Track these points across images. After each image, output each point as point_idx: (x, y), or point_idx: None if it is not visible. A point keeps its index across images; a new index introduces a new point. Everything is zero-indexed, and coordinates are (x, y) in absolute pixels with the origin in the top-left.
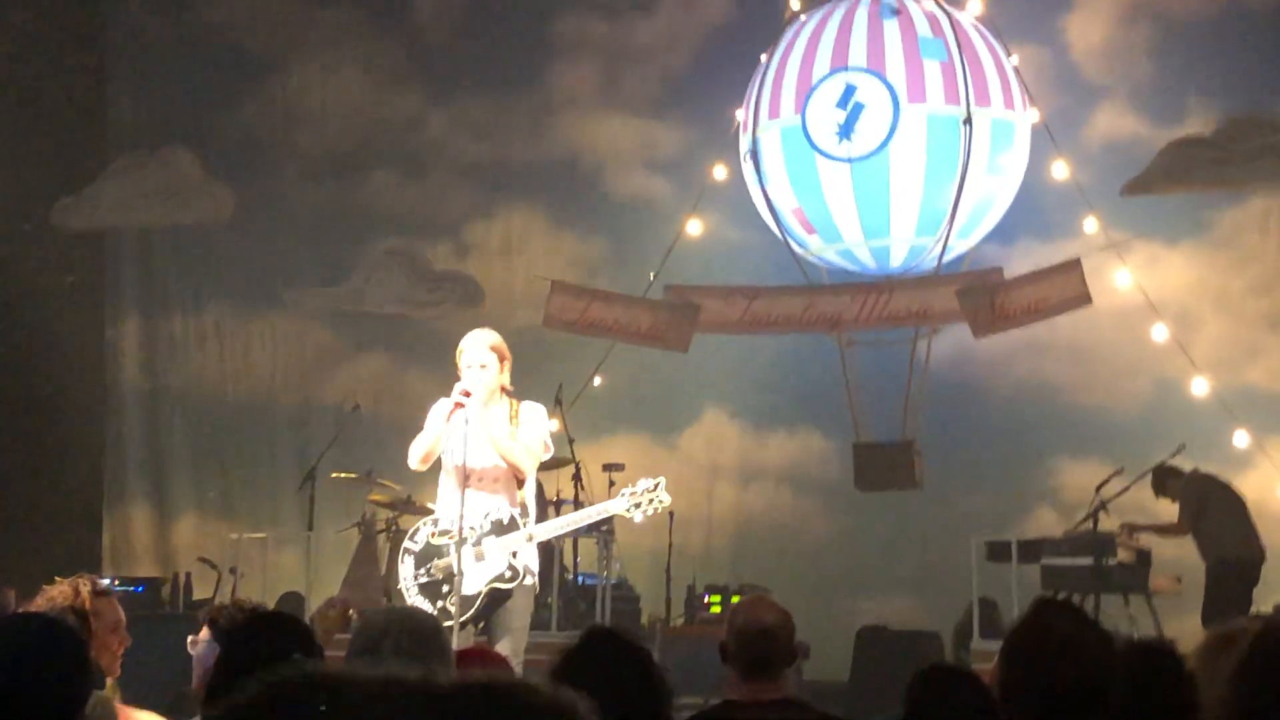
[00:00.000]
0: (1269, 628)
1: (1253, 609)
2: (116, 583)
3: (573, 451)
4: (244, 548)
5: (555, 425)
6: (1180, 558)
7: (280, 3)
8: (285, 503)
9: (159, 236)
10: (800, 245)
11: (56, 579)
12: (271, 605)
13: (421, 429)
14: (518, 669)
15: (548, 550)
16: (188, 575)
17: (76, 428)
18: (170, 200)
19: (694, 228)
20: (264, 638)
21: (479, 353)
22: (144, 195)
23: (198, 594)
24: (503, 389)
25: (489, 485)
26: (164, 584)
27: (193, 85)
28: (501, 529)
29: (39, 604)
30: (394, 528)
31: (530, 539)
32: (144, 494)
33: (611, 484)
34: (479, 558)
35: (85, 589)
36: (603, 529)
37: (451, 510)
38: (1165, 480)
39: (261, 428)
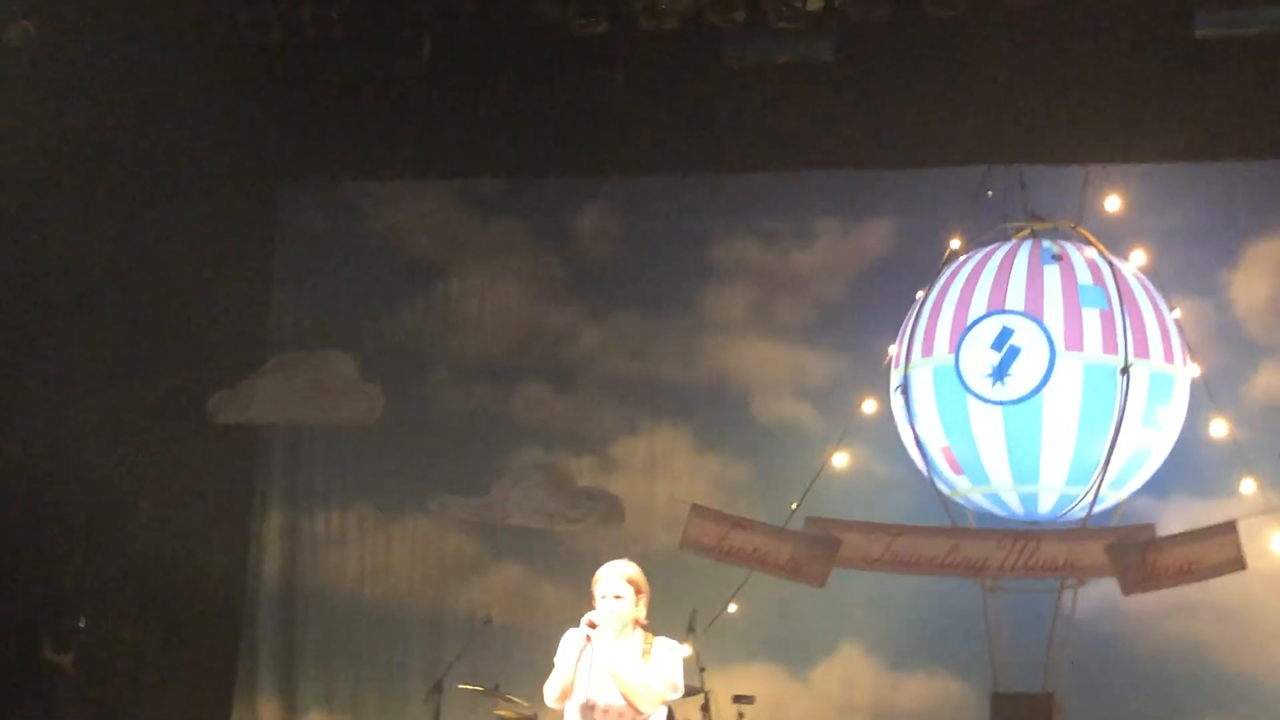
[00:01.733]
0: None
1: None
2: None
3: (702, 681)
4: None
5: (688, 652)
6: None
7: (448, 211)
8: (412, 710)
9: (309, 434)
10: (947, 485)
11: None
12: None
13: (553, 649)
14: None
15: None
16: None
17: (213, 620)
18: (323, 399)
19: (839, 460)
20: None
21: (614, 583)
22: (297, 393)
23: None
24: (636, 622)
25: None
26: None
27: (355, 288)
28: None
29: None
30: None
31: None
32: (273, 689)
33: (740, 716)
34: None
35: None
36: None
37: None
38: None
39: (394, 632)
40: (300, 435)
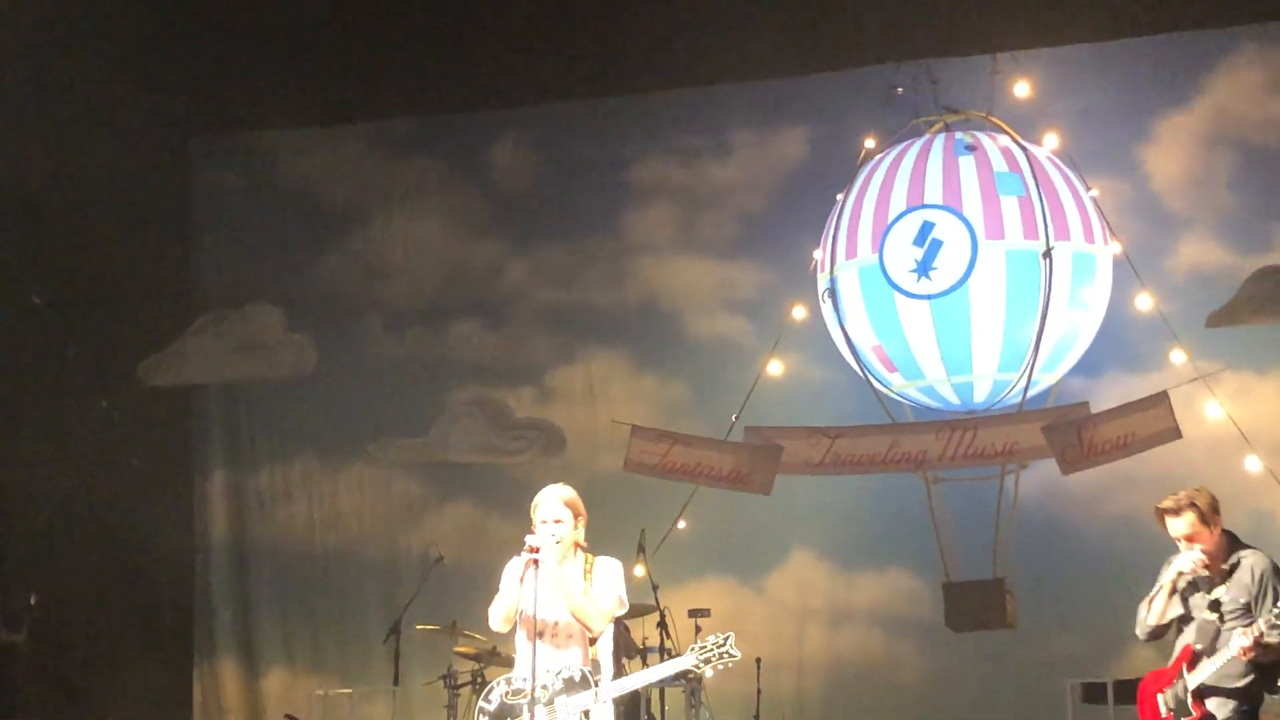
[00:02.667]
0: None
1: None
2: None
3: (657, 598)
4: (330, 703)
5: (640, 572)
6: None
7: (359, 156)
8: (373, 655)
9: (244, 390)
10: (882, 383)
11: None
12: None
13: (499, 584)
14: None
15: (634, 699)
16: None
17: (166, 583)
18: (254, 354)
19: (774, 368)
20: None
21: (553, 508)
22: (228, 351)
23: None
24: (577, 545)
25: (562, 641)
26: None
27: (276, 240)
28: (573, 687)
29: None
30: (480, 680)
31: (598, 699)
32: (233, 647)
33: (698, 630)
34: (551, 717)
35: None
36: (689, 678)
37: (524, 668)
38: None
39: (349, 579)
40: (235, 392)
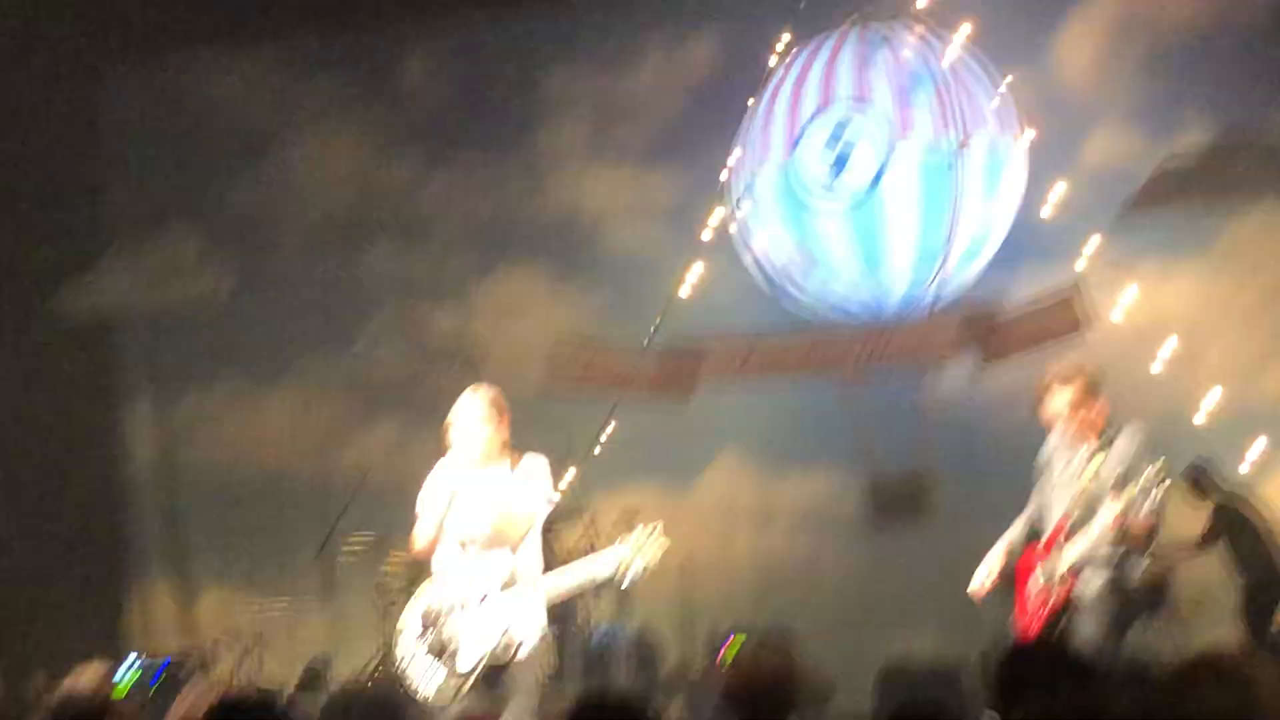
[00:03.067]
0: None
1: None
2: (143, 658)
3: (586, 502)
4: (266, 618)
5: (569, 476)
6: (1203, 578)
7: (270, 76)
8: (305, 572)
9: (164, 315)
10: (799, 287)
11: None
12: (296, 673)
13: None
14: None
15: (563, 602)
16: (213, 647)
17: (95, 509)
18: (172, 279)
19: (693, 276)
20: None
21: (476, 408)
22: (145, 275)
23: (222, 667)
24: (503, 444)
25: (490, 543)
26: (189, 658)
27: (189, 164)
28: (501, 590)
29: (71, 684)
30: (410, 592)
31: (528, 599)
32: (166, 571)
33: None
34: (480, 621)
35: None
36: (616, 577)
37: (452, 574)
38: (1198, 481)
39: (278, 500)
40: (155, 318)
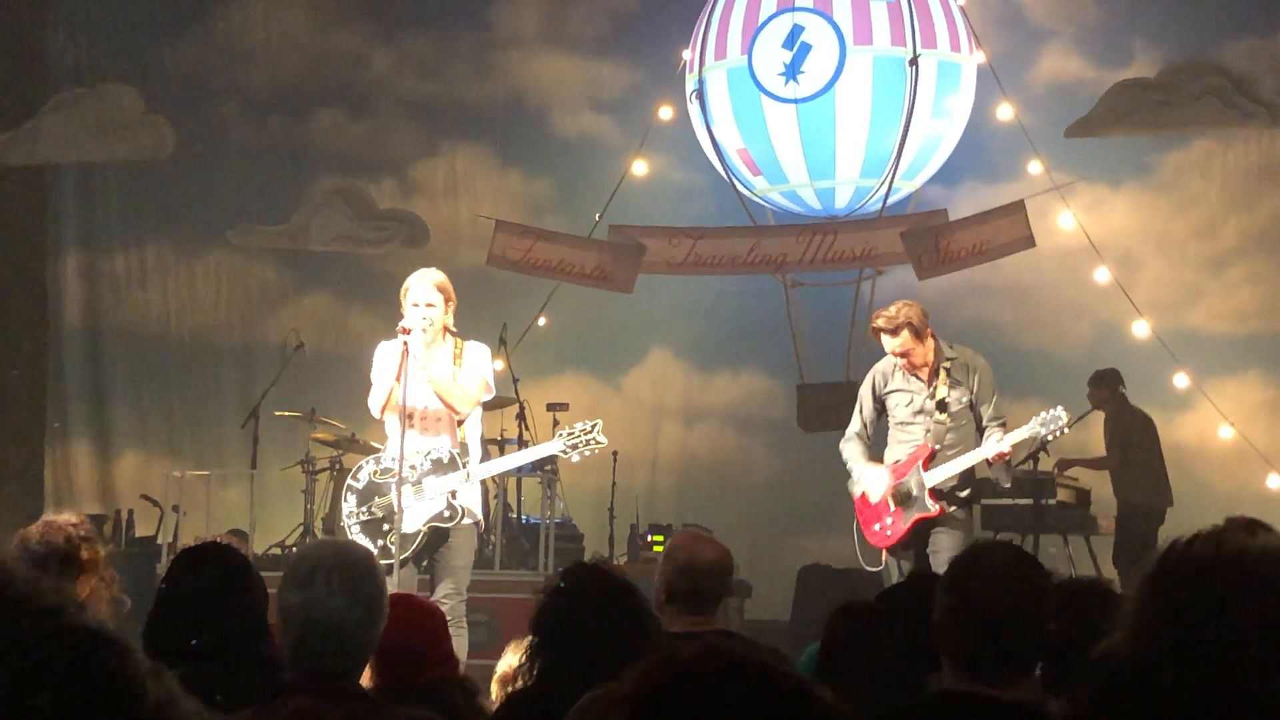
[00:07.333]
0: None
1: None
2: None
3: (517, 391)
4: (187, 485)
5: (500, 365)
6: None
7: None
8: (229, 441)
9: (99, 172)
10: (746, 187)
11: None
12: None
13: (366, 371)
14: (460, 607)
15: (493, 493)
16: (130, 512)
17: (17, 365)
18: (110, 136)
19: (639, 168)
20: (205, 571)
21: (424, 292)
22: (84, 130)
23: (140, 531)
24: (446, 329)
25: (430, 425)
26: (106, 521)
27: (133, 20)
28: (442, 468)
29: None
30: (338, 466)
31: (468, 478)
32: (86, 432)
33: (556, 424)
34: (419, 496)
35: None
36: (546, 469)
37: (393, 449)
38: (1100, 386)
39: (205, 366)
40: (90, 173)
